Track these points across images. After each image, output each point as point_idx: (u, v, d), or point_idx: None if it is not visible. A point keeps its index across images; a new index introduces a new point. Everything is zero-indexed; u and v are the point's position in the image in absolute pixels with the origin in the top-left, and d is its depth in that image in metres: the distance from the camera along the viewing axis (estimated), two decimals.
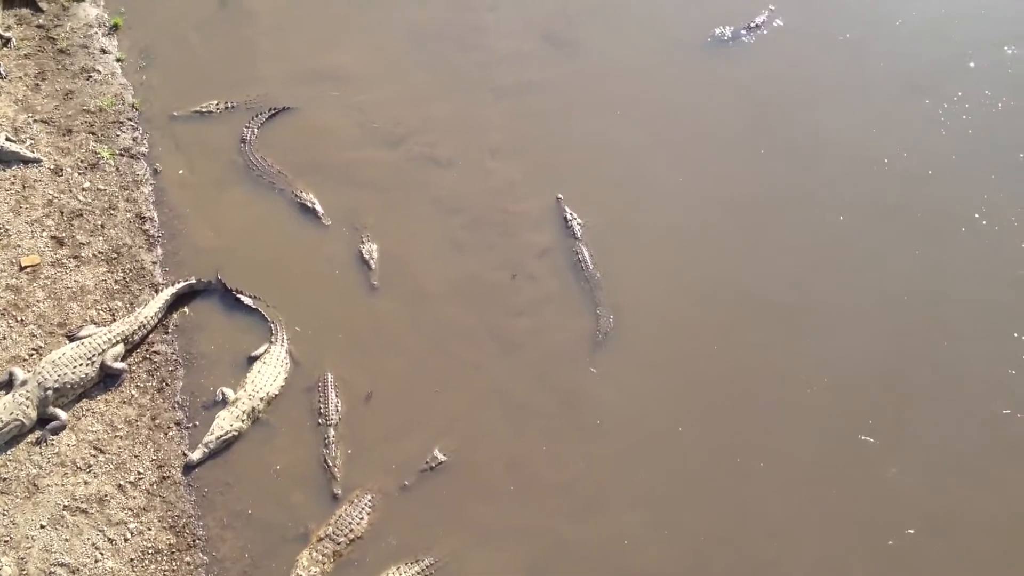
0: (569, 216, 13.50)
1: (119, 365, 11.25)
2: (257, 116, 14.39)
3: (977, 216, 13.55)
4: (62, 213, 12.73)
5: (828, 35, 16.36)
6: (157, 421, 11.04)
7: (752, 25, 16.25)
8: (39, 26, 15.31)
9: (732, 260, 13.06)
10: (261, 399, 11.19)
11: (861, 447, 11.24)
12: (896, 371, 12.02)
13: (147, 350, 11.69)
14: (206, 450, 10.73)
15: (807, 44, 16.24)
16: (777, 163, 14.33)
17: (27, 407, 10.55)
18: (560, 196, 13.74)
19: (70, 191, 13.02)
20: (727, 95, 15.37)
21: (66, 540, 9.90)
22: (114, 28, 15.58)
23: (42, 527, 9.93)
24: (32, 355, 11.29)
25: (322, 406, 11.24)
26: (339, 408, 11.26)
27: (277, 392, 11.40)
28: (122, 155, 13.66)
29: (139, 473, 10.54)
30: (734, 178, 14.10)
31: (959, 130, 14.71)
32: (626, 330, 12.26)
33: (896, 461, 11.12)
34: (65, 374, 10.79)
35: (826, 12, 16.90)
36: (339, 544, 10.12)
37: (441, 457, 10.90)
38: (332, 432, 11.02)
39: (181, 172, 13.70)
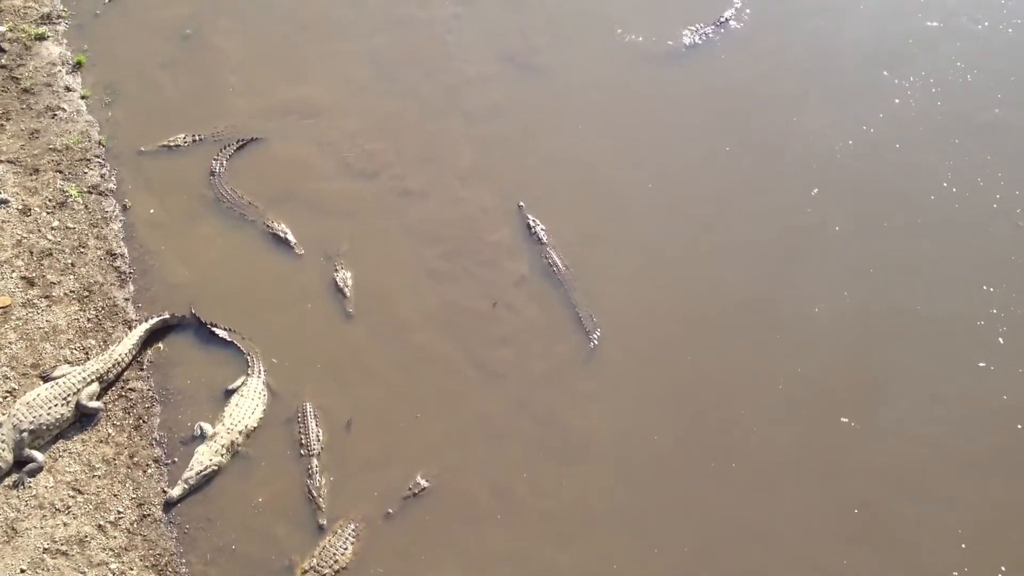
0: (532, 223, 13.68)
1: (95, 404, 11.15)
2: (225, 148, 14.36)
3: (945, 184, 14.25)
4: (31, 253, 12.62)
5: (793, 26, 17.04)
6: (135, 459, 10.93)
7: (720, 21, 16.78)
8: (1, 66, 15.22)
9: (706, 271, 13.23)
10: (240, 432, 11.11)
11: (840, 442, 11.50)
12: (873, 349, 12.46)
13: (122, 388, 11.58)
14: (186, 486, 10.63)
15: (773, 38, 16.81)
16: (744, 161, 14.73)
17: (3, 450, 10.42)
18: (522, 204, 13.93)
19: (39, 231, 12.92)
20: (694, 100, 15.75)
21: None
22: (78, 66, 15.51)
23: (22, 571, 9.78)
24: (6, 397, 11.16)
25: (303, 436, 11.18)
26: (320, 438, 11.21)
27: (256, 424, 11.33)
28: (90, 192, 13.58)
29: (119, 512, 10.43)
30: (702, 181, 14.47)
31: (926, 103, 15.55)
32: (606, 350, 12.31)
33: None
34: (40, 415, 10.68)
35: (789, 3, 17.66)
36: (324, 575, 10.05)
37: (424, 483, 10.87)
38: (315, 462, 10.96)
39: (151, 207, 13.61)
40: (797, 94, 15.82)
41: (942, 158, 14.64)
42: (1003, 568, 10.43)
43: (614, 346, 12.35)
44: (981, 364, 12.12)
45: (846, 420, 11.63)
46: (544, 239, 13.46)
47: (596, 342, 12.34)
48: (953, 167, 14.48)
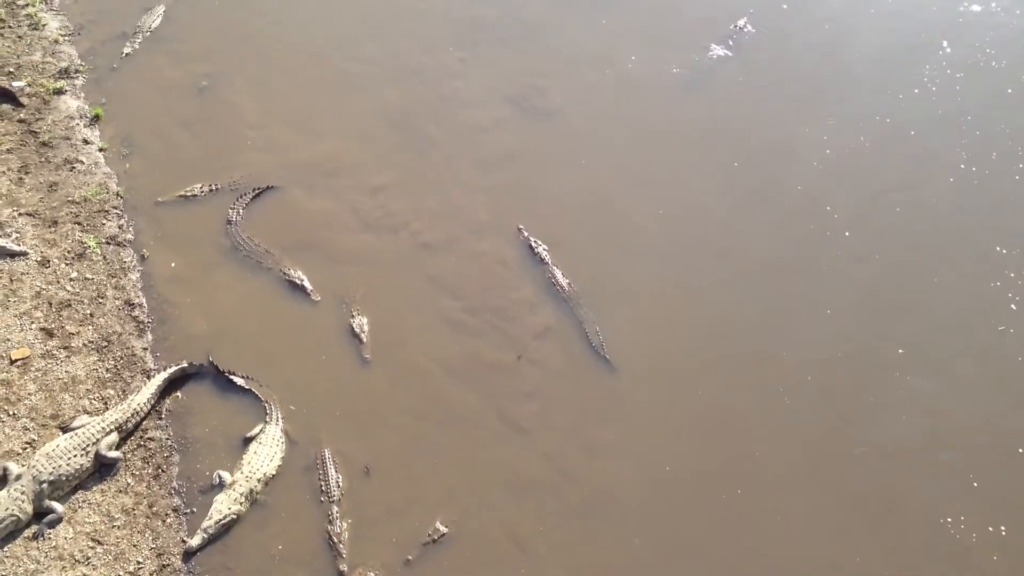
0: (534, 244, 13.99)
1: (114, 454, 11.16)
2: (241, 197, 14.51)
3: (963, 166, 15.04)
4: (50, 304, 12.72)
5: (804, 33, 17.91)
6: (154, 508, 10.91)
7: (730, 36, 17.59)
8: (20, 120, 15.45)
9: (726, 308, 13.37)
10: (259, 480, 11.09)
11: (866, 478, 11.53)
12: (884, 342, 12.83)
13: (141, 437, 11.60)
14: (205, 535, 10.59)
15: (779, 54, 17.62)
16: (753, 178, 15.23)
17: (23, 502, 10.42)
18: (521, 226, 14.22)
19: (58, 282, 13.02)
20: (702, 122, 16.32)
21: None
22: (95, 119, 15.74)
23: None
24: (25, 449, 11.18)
25: (323, 483, 11.15)
26: (340, 484, 11.17)
27: (274, 472, 11.31)
28: (108, 243, 13.71)
29: (138, 563, 10.38)
30: (715, 206, 14.83)
31: (945, 89, 16.56)
32: (626, 396, 12.32)
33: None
34: (60, 466, 10.69)
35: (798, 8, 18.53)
36: None
37: (443, 529, 10.82)
38: (335, 508, 10.92)
39: (168, 257, 13.72)
40: (813, 107, 16.52)
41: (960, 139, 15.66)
42: None
43: (635, 392, 12.36)
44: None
45: (864, 450, 11.73)
46: (547, 259, 13.83)
47: (602, 349, 12.67)
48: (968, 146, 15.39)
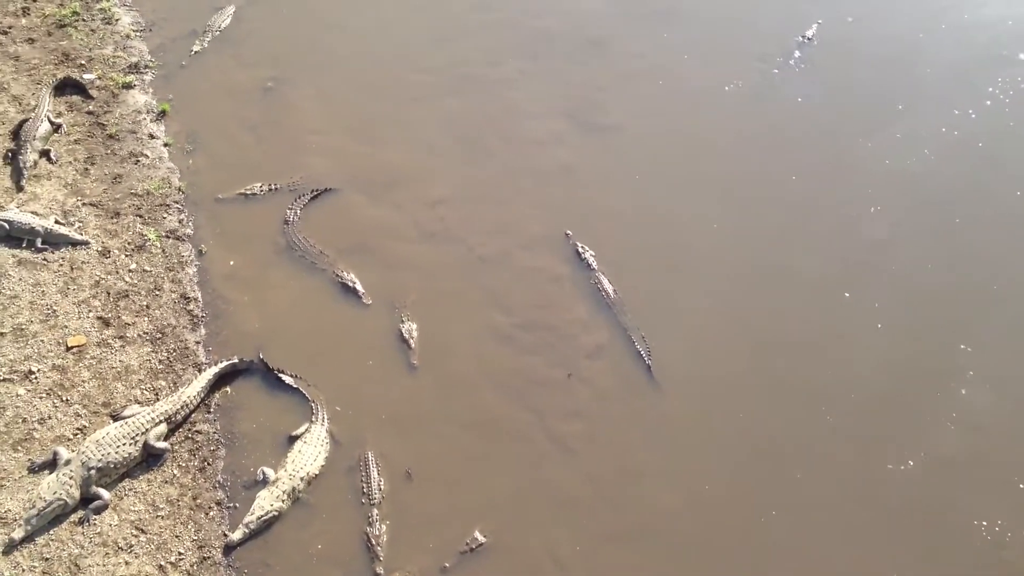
0: (581, 250, 14.02)
1: (162, 445, 11.30)
2: (300, 198, 14.65)
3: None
4: (108, 294, 12.94)
5: (871, 46, 17.96)
6: (198, 501, 11.02)
7: (794, 49, 17.61)
8: (89, 112, 15.79)
9: (782, 332, 13.19)
10: (302, 479, 11.16)
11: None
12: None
13: (190, 429, 11.74)
14: (246, 530, 10.68)
15: (846, 63, 17.61)
16: (810, 188, 15.24)
17: (70, 487, 10.59)
18: (568, 232, 14.25)
19: (117, 272, 13.25)
20: (761, 136, 16.24)
21: None
22: (162, 114, 16.03)
23: None
24: (76, 435, 11.37)
25: (365, 485, 11.18)
26: (382, 487, 11.20)
27: (317, 472, 11.36)
28: (168, 237, 13.92)
29: (180, 553, 10.49)
30: (771, 223, 14.70)
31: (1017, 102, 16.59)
32: (674, 420, 12.16)
33: None
34: (108, 454, 10.85)
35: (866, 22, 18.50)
36: None
37: (481, 539, 10.78)
38: (376, 511, 10.94)
39: (225, 253, 13.90)
40: (874, 124, 16.39)
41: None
42: None
43: (681, 413, 12.20)
44: None
45: (912, 463, 11.56)
46: (594, 265, 13.83)
47: (649, 360, 12.63)
48: None
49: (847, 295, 13.55)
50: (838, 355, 12.85)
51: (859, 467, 11.64)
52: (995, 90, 16.74)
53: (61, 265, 13.16)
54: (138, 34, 17.80)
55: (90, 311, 12.69)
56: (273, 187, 14.84)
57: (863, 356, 12.81)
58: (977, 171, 15.43)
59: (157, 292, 13.14)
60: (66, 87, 16.15)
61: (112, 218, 14.01)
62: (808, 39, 17.81)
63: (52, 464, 10.93)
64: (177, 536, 10.64)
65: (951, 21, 18.30)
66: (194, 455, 11.49)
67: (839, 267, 13.98)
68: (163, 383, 12.11)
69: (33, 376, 11.79)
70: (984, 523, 11.02)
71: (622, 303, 13.34)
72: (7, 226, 13.22)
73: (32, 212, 13.68)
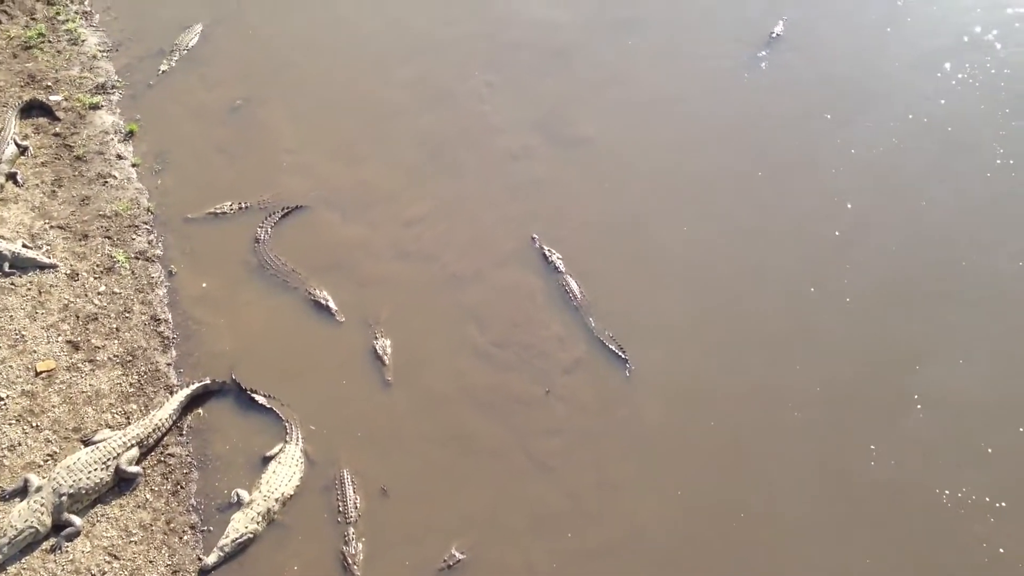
0: (548, 252, 14.09)
1: (134, 469, 11.19)
2: (271, 216, 14.59)
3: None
4: (78, 317, 12.82)
5: (839, 41, 18.05)
6: (172, 525, 10.92)
7: (764, 45, 17.82)
8: (56, 134, 15.66)
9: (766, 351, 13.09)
10: (276, 500, 11.08)
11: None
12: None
13: (162, 453, 11.64)
14: (221, 554, 10.59)
15: (811, 61, 17.69)
16: (777, 186, 15.32)
17: (41, 514, 10.47)
18: (535, 236, 14.31)
19: (86, 295, 13.13)
20: (731, 138, 16.28)
21: None
22: (130, 134, 15.92)
23: None
24: (47, 461, 11.25)
25: (340, 504, 11.12)
26: (358, 505, 11.14)
27: (292, 492, 11.29)
28: (137, 258, 13.82)
29: None
30: (741, 223, 14.76)
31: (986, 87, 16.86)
32: (653, 434, 12.12)
33: None
34: (80, 479, 10.74)
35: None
36: None
37: (459, 556, 10.74)
38: (351, 530, 10.88)
39: (195, 273, 13.81)
40: (836, 113, 16.58)
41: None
42: None
43: (658, 426, 12.17)
44: None
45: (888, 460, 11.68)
46: (561, 268, 13.91)
47: (625, 359, 12.73)
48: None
49: (812, 290, 13.67)
50: (810, 352, 12.93)
51: (836, 467, 11.69)
52: (964, 75, 16.96)
53: (29, 289, 13.02)
54: (105, 54, 17.67)
55: (59, 335, 12.56)
56: (243, 205, 14.76)
57: (833, 352, 12.90)
58: (948, 155, 15.66)
59: (127, 314, 13.03)
60: (32, 109, 16.01)
61: (80, 240, 13.89)
62: (776, 36, 17.88)
63: (23, 491, 10.81)
64: (151, 561, 10.54)
65: (918, 13, 18.48)
66: (167, 479, 11.39)
67: (808, 263, 14.09)
68: (134, 406, 12.00)
69: (2, 403, 11.65)
70: (958, 519, 11.14)
71: (589, 305, 13.39)
72: None
73: None
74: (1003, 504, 11.12)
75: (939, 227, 14.43)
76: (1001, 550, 10.80)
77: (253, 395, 12.26)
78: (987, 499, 11.18)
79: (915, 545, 10.94)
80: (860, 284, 13.67)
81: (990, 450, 11.66)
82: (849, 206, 14.70)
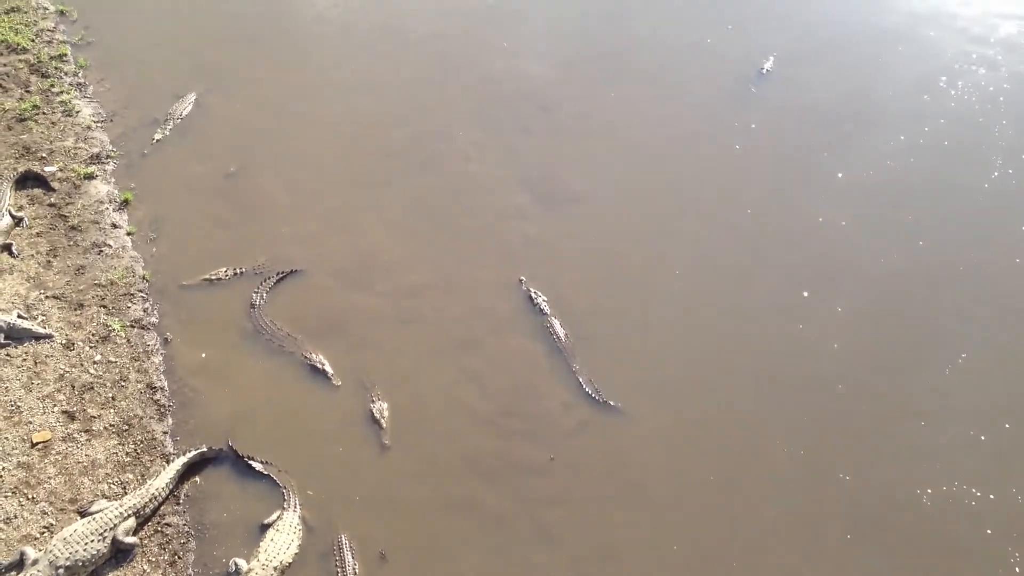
0: (534, 295, 14.34)
1: (131, 540, 11.09)
2: (266, 281, 14.65)
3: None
4: (73, 387, 12.80)
5: (827, 78, 18.76)
6: None
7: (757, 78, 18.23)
8: (51, 205, 15.76)
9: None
10: (275, 568, 10.96)
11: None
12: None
13: (159, 522, 11.54)
14: None
15: (800, 102, 18.36)
16: (765, 222, 15.84)
17: None
18: (522, 278, 14.56)
19: (81, 364, 13.12)
20: (720, 181, 16.85)
21: None
22: (125, 203, 16.03)
23: None
24: (43, 533, 11.14)
25: (339, 570, 11.02)
26: (357, 571, 11.03)
27: (291, 560, 11.18)
28: (133, 327, 13.83)
29: None
30: (733, 265, 15.19)
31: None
32: (651, 479, 12.17)
33: None
34: (76, 551, 10.63)
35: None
36: None
37: None
38: None
39: (191, 340, 13.81)
40: (828, 144, 17.37)
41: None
42: None
43: (663, 489, 12.19)
44: None
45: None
46: (546, 310, 14.17)
47: (598, 396, 12.93)
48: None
49: (801, 327, 14.01)
50: (803, 385, 13.27)
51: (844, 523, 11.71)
52: (958, 93, 17.60)
53: (25, 360, 13.01)
54: (99, 125, 17.88)
55: (55, 405, 12.53)
56: (238, 271, 14.83)
57: (823, 383, 13.24)
58: (949, 169, 16.57)
59: (123, 383, 13.01)
60: (27, 180, 16.15)
61: (76, 310, 13.92)
62: (766, 72, 18.19)
63: (19, 565, 10.68)
64: None
65: (911, 37, 19.19)
66: (164, 549, 11.27)
67: (796, 298, 14.48)
68: (131, 476, 11.93)
69: None
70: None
71: (573, 348, 13.56)
72: None
73: None
74: None
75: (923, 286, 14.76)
76: None
77: (250, 462, 12.20)
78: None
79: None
80: (851, 323, 14.08)
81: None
82: (838, 247, 15.08)
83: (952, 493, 11.92)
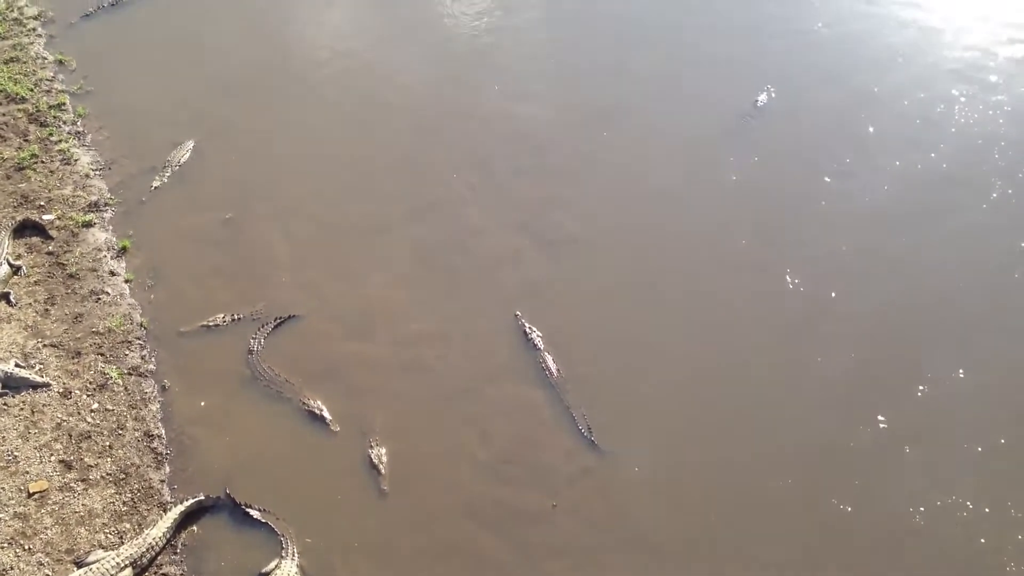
0: (528, 330, 14.41)
1: None
2: (263, 327, 14.66)
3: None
4: (70, 436, 12.76)
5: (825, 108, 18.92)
6: None
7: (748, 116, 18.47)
8: (49, 252, 15.80)
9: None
10: None
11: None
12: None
13: (156, 572, 11.46)
14: None
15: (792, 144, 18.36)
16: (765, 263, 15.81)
17: None
18: (518, 313, 14.63)
19: (78, 413, 13.09)
20: (715, 220, 16.84)
21: None
22: (123, 251, 16.07)
23: None
24: None
25: None
26: None
27: None
28: (130, 374, 13.82)
29: None
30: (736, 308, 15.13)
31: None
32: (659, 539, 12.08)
33: None
34: None
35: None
36: None
37: None
38: None
39: (188, 387, 13.80)
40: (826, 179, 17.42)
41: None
42: None
43: (664, 538, 12.12)
44: None
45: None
46: (540, 346, 14.25)
47: (589, 434, 12.94)
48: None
49: (802, 362, 14.12)
50: (804, 420, 13.30)
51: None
52: (958, 117, 18.08)
53: (22, 409, 12.99)
54: (97, 172, 17.96)
55: (52, 455, 12.49)
56: (236, 317, 14.85)
57: (825, 421, 13.29)
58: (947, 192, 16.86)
59: (120, 431, 12.98)
60: (25, 228, 16.21)
61: (73, 358, 13.91)
62: (760, 105, 18.41)
63: None
64: None
65: (903, 69, 19.41)
66: None
67: (797, 333, 14.56)
68: (128, 525, 11.87)
69: None
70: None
71: (564, 383, 13.63)
72: None
73: None
74: None
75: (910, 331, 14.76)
76: None
77: (248, 509, 12.14)
78: None
79: None
80: (845, 361, 14.11)
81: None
82: (833, 294, 15.03)
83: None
